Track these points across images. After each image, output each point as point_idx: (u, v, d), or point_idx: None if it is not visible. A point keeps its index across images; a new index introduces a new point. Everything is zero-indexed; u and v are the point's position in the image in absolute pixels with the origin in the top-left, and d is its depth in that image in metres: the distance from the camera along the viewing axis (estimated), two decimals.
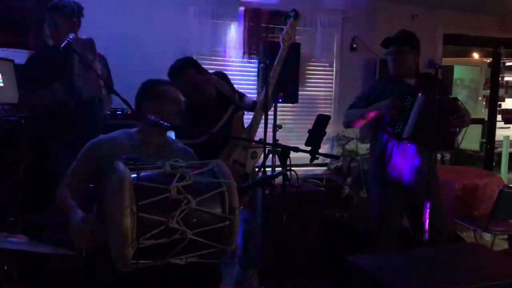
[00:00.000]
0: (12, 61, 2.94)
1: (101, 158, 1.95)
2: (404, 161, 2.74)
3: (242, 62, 4.17)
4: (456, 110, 2.63)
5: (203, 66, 4.35)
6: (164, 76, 3.72)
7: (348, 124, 2.96)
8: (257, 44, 4.10)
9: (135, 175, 1.49)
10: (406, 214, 2.92)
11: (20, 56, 2.99)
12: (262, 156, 2.73)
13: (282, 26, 4.17)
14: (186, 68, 2.65)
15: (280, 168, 1.95)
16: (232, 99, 2.78)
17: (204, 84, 2.66)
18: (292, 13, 2.70)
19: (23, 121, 2.86)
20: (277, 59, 2.65)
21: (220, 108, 2.71)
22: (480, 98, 7.29)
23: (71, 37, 2.61)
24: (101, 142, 2.01)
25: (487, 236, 3.86)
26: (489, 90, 5.91)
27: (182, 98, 2.15)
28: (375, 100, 2.78)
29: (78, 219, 1.79)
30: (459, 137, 2.75)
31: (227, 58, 4.08)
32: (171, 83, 2.15)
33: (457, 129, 2.69)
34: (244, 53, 4.11)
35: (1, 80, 2.81)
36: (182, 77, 2.59)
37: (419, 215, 2.56)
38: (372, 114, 2.77)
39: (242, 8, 4.08)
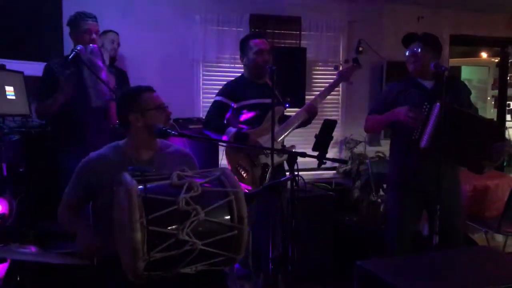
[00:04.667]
0: (22, 73, 2.97)
1: (92, 180, 1.96)
2: (423, 165, 2.70)
3: None
4: (500, 138, 2.56)
5: (209, 72, 4.38)
6: (172, 84, 3.77)
7: (368, 130, 3.05)
8: None
9: (142, 186, 1.49)
10: (427, 218, 2.89)
11: (30, 68, 3.02)
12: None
13: (288, 32, 4.22)
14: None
15: (288, 174, 1.95)
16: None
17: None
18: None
19: (33, 132, 2.90)
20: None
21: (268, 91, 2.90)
22: (488, 98, 7.22)
23: (78, 48, 2.65)
24: (89, 165, 2.00)
25: (499, 237, 3.82)
26: (497, 90, 5.86)
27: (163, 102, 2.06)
28: (392, 103, 2.77)
29: (84, 235, 1.87)
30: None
31: (232, 65, 4.09)
32: (151, 88, 2.06)
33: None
34: None
35: (13, 93, 2.84)
36: (264, 38, 2.96)
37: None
38: (390, 119, 2.77)
39: (247, 15, 4.10)
